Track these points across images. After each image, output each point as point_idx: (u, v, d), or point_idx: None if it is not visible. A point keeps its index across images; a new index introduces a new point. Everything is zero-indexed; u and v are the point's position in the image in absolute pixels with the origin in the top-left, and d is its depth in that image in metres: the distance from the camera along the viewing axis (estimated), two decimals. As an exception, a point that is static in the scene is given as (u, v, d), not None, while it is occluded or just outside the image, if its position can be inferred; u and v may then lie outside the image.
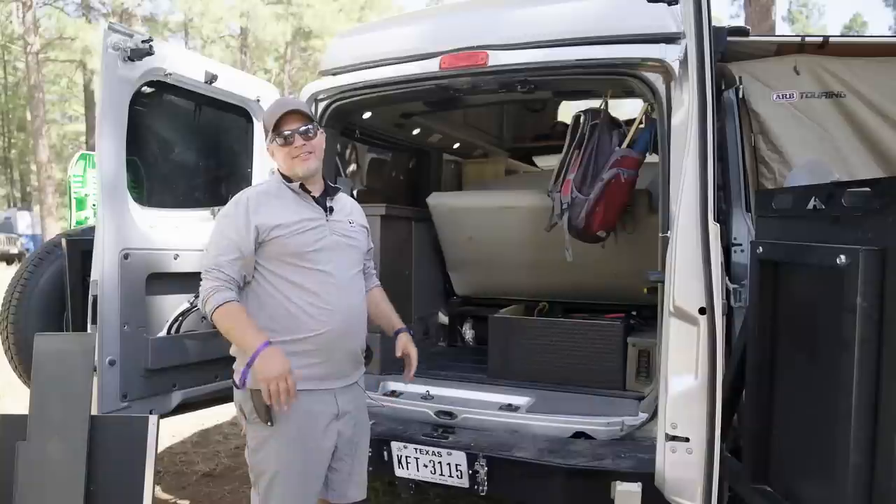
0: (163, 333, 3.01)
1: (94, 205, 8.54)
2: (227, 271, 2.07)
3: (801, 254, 1.77)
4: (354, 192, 3.86)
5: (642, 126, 3.13)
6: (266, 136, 2.24)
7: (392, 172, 4.59)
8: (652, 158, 3.02)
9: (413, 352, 2.43)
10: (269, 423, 2.09)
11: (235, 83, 3.37)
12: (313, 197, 2.22)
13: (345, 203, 2.37)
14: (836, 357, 1.55)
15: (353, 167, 4.19)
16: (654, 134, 2.89)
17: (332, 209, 2.26)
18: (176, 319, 3.05)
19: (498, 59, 2.77)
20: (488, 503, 3.14)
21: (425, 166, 4.79)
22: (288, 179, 2.21)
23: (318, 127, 2.24)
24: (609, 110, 3.27)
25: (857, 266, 1.48)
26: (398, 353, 2.44)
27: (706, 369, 2.01)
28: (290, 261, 2.12)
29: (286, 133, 2.16)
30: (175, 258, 3.04)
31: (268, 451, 2.14)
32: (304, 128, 2.17)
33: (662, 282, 2.27)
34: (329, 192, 2.29)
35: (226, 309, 2.04)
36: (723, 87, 2.71)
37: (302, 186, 2.20)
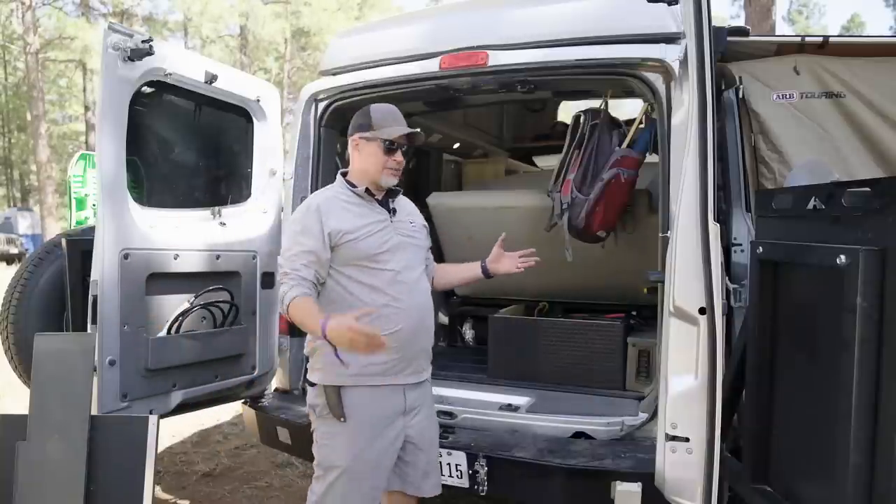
0: (163, 333, 3.01)
1: (94, 205, 8.54)
2: (303, 274, 2.13)
3: (801, 254, 1.76)
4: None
5: (642, 126, 3.13)
6: (358, 129, 2.27)
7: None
8: (652, 158, 3.02)
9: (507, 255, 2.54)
10: (341, 419, 2.15)
11: (235, 83, 3.37)
12: (377, 200, 2.27)
13: (405, 204, 2.42)
14: (836, 357, 1.54)
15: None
16: (654, 134, 2.89)
17: (394, 210, 2.31)
18: (176, 319, 3.04)
19: (498, 59, 2.78)
20: (488, 503, 3.14)
21: (425, 166, 4.79)
22: (351, 184, 2.26)
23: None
24: (609, 110, 3.27)
25: (857, 266, 1.47)
26: (499, 264, 2.52)
27: (706, 369, 2.01)
28: (360, 263, 2.18)
29: (394, 144, 2.23)
30: (175, 258, 3.03)
31: (336, 445, 2.19)
32: (406, 146, 2.27)
33: (662, 282, 2.27)
34: (390, 194, 2.34)
35: (296, 303, 2.10)
36: (723, 87, 2.70)
37: (367, 191, 2.25)
